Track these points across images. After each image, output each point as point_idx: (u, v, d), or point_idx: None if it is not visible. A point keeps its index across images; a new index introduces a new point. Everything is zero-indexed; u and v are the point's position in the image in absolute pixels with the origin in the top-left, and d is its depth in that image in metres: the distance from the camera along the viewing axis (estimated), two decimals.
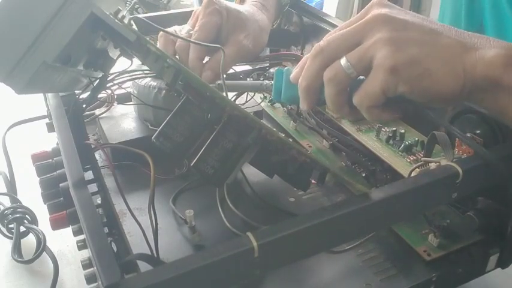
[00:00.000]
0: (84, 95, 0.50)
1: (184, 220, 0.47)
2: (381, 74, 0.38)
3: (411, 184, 0.37)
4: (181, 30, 0.59)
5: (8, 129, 0.65)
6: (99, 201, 0.47)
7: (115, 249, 0.42)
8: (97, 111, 0.62)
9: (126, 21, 0.42)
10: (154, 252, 0.40)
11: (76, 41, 0.35)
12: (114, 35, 0.40)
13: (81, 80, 0.46)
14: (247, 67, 0.70)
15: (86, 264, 0.40)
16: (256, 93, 0.64)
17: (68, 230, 0.44)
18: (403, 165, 0.49)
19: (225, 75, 0.56)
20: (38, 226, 0.56)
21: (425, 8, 2.16)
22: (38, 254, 0.52)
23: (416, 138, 0.52)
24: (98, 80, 0.47)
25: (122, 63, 0.49)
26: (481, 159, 0.40)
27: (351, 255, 0.45)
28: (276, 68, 0.48)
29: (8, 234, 0.56)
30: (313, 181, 0.45)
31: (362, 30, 0.40)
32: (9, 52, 0.33)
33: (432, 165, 0.42)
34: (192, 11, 0.62)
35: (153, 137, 0.43)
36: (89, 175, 0.48)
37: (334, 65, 0.40)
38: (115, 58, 0.45)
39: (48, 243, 0.53)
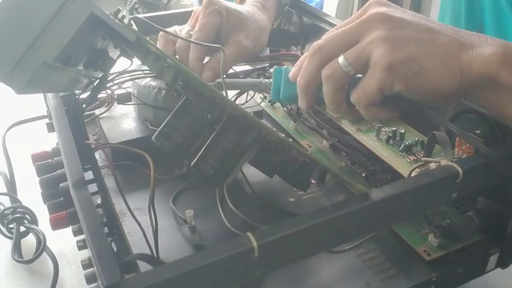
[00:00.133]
0: (84, 95, 0.50)
1: (184, 220, 0.47)
2: (377, 72, 0.38)
3: (411, 184, 0.37)
4: (181, 30, 0.59)
5: (8, 129, 0.65)
6: (99, 201, 0.47)
7: (115, 249, 0.42)
8: (97, 111, 0.62)
9: (126, 21, 0.42)
10: (154, 252, 0.40)
11: (76, 41, 0.35)
12: (114, 35, 0.39)
13: (81, 80, 0.46)
14: (247, 67, 0.70)
15: (86, 264, 0.40)
16: (256, 93, 0.64)
17: (68, 230, 0.44)
18: (403, 165, 0.49)
19: (225, 75, 0.56)
20: (38, 226, 0.56)
21: (425, 8, 2.16)
22: (38, 254, 0.52)
23: (416, 138, 0.52)
24: (98, 80, 0.47)
25: (122, 63, 0.49)
26: (481, 159, 0.40)
27: (351, 255, 0.45)
28: (275, 67, 0.48)
29: (8, 234, 0.56)
30: (313, 181, 0.45)
31: (359, 29, 0.40)
32: (9, 52, 0.33)
33: (432, 165, 0.42)
34: (192, 11, 0.62)
35: (153, 137, 0.43)
36: (89, 175, 0.48)
37: (332, 63, 0.41)
38: (115, 58, 0.45)
39: (48, 243, 0.53)
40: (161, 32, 0.57)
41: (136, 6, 1.25)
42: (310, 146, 0.59)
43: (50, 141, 0.55)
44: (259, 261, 0.31)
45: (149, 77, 0.58)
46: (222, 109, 0.42)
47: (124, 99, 0.62)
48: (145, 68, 0.58)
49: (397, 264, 0.44)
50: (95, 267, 0.31)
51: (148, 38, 0.43)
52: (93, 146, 0.49)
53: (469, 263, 0.45)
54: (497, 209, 0.44)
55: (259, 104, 0.65)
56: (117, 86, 0.59)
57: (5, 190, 0.62)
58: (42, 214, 0.49)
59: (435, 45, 0.39)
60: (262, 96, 0.67)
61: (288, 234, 0.32)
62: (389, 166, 0.50)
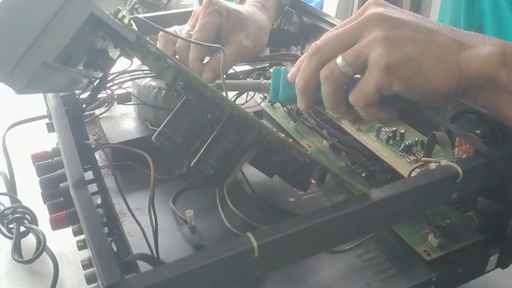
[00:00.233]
0: (84, 95, 0.50)
1: (184, 220, 0.47)
2: (375, 73, 0.38)
3: (411, 184, 0.37)
4: (181, 30, 0.59)
5: (8, 129, 0.65)
6: (99, 201, 0.47)
7: (115, 249, 0.42)
8: (97, 111, 0.62)
9: (126, 21, 0.42)
10: (154, 252, 0.40)
11: (76, 41, 0.35)
12: (114, 35, 0.39)
13: (81, 80, 0.46)
14: (247, 67, 0.70)
15: (86, 264, 0.40)
16: (256, 93, 0.64)
17: (68, 230, 0.44)
18: (403, 165, 0.49)
19: (225, 76, 0.56)
20: (38, 226, 0.56)
21: (425, 8, 2.16)
22: (38, 254, 0.52)
23: (416, 138, 0.52)
24: (98, 80, 0.47)
25: (122, 63, 0.49)
26: (481, 159, 0.40)
27: (351, 255, 0.45)
28: (274, 68, 0.48)
29: (8, 234, 0.56)
30: (313, 181, 0.45)
31: (358, 30, 0.40)
32: (9, 52, 0.33)
33: (432, 165, 0.42)
34: (192, 11, 0.62)
35: (153, 137, 0.43)
36: (89, 175, 0.48)
37: (330, 63, 0.41)
38: (115, 58, 0.45)
39: (48, 243, 0.53)
40: (161, 32, 0.57)
41: (136, 6, 1.25)
42: (310, 146, 0.59)
43: (50, 141, 0.55)
44: (259, 261, 0.31)
45: (149, 77, 0.58)
46: (222, 109, 0.42)
47: (124, 99, 0.62)
48: (145, 68, 0.58)
49: (397, 264, 0.44)
50: (95, 267, 0.31)
51: (148, 38, 0.43)
52: (93, 146, 0.49)
53: (469, 263, 0.45)
54: (497, 209, 0.44)
55: (259, 104, 0.65)
56: (117, 86, 0.59)
57: (5, 190, 0.62)
58: (42, 214, 0.49)
59: (433, 46, 0.39)
60: (262, 96, 0.67)
61: (288, 234, 0.32)
62: (389, 166, 0.50)
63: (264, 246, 0.31)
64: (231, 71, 0.63)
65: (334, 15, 1.91)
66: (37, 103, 0.62)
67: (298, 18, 0.71)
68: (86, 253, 0.43)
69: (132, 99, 0.61)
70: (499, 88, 0.38)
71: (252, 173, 0.52)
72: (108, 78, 0.52)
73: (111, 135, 0.58)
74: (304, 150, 0.43)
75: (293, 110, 0.63)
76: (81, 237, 0.43)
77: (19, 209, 0.57)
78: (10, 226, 0.56)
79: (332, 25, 0.63)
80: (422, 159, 0.45)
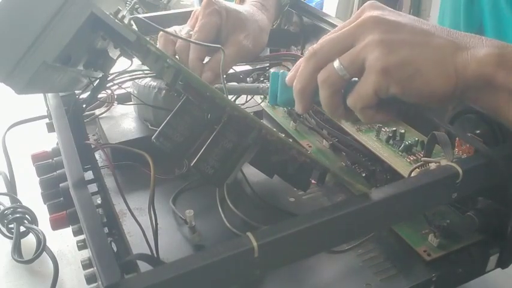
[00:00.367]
0: (84, 95, 0.50)
1: (184, 220, 0.47)
2: (373, 76, 0.38)
3: (411, 184, 0.37)
4: (181, 30, 0.59)
5: (8, 129, 0.65)
6: (99, 201, 0.47)
7: (115, 249, 0.42)
8: (97, 111, 0.62)
9: (126, 21, 0.42)
10: (154, 252, 0.40)
11: (76, 41, 0.35)
12: (114, 35, 0.39)
13: (81, 80, 0.46)
14: (247, 67, 0.70)
15: (86, 265, 0.40)
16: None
17: (68, 230, 0.44)
18: (403, 165, 0.49)
19: (225, 76, 0.56)
20: (38, 226, 0.56)
21: (426, 8, 2.16)
22: (38, 254, 0.52)
23: (416, 138, 0.52)
24: (98, 80, 0.47)
25: (122, 63, 0.49)
26: (481, 159, 0.40)
27: (351, 255, 0.45)
28: (272, 71, 0.48)
29: (8, 234, 0.56)
30: (313, 181, 0.45)
31: (354, 33, 0.40)
32: (9, 52, 0.33)
33: (432, 165, 0.42)
34: (192, 11, 0.62)
35: (153, 137, 0.43)
36: (89, 175, 0.48)
37: (327, 67, 0.41)
38: (115, 58, 0.45)
39: (48, 243, 0.53)
40: (161, 32, 0.57)
41: (136, 6, 1.25)
42: (310, 146, 0.59)
43: (50, 141, 0.55)
44: (259, 261, 0.31)
45: (149, 77, 0.58)
46: (222, 109, 0.42)
47: (124, 99, 0.62)
48: (145, 68, 0.58)
49: (397, 264, 0.44)
50: (95, 267, 0.31)
51: (148, 38, 0.43)
52: (93, 146, 0.49)
53: (469, 263, 0.45)
54: (497, 209, 0.44)
55: (259, 104, 0.65)
56: (117, 86, 0.59)
57: (5, 190, 0.62)
58: (42, 214, 0.49)
59: (430, 48, 0.39)
60: (262, 97, 0.67)
61: (288, 234, 0.32)
62: (389, 166, 0.50)
63: (264, 246, 0.31)
64: (231, 71, 0.63)
65: (334, 15, 1.91)
66: (37, 103, 0.62)
67: (298, 18, 0.71)
68: (86, 253, 0.43)
69: (132, 99, 0.61)
70: (497, 89, 0.38)
71: (252, 173, 0.52)
72: (108, 78, 0.52)
73: (111, 135, 0.58)
74: (304, 150, 0.43)
75: (293, 110, 0.63)
76: (81, 237, 0.43)
77: (19, 209, 0.57)
78: (10, 226, 0.56)
79: (332, 25, 0.63)
80: (422, 159, 0.45)
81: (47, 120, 0.59)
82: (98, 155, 0.55)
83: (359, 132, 0.55)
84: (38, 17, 0.33)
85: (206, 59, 0.58)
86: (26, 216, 0.57)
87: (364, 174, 0.53)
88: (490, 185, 0.42)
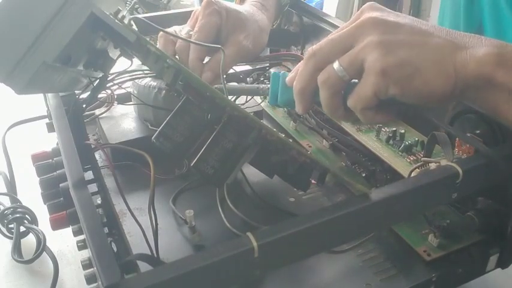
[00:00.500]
0: (84, 95, 0.50)
1: (184, 220, 0.47)
2: (372, 77, 0.39)
3: (411, 184, 0.37)
4: (181, 30, 0.59)
5: (8, 129, 0.65)
6: (99, 202, 0.47)
7: (115, 249, 0.42)
8: (97, 111, 0.62)
9: (126, 21, 0.42)
10: (154, 252, 0.40)
11: (76, 41, 0.35)
12: (114, 35, 0.39)
13: (81, 80, 0.46)
14: (247, 67, 0.70)
15: (86, 265, 0.40)
16: None
17: (68, 230, 0.44)
18: (403, 166, 0.49)
19: (224, 76, 0.56)
20: (38, 226, 0.56)
21: (426, 8, 2.16)
22: (38, 254, 0.52)
23: (416, 139, 0.52)
24: (98, 80, 0.47)
25: (122, 63, 0.49)
26: (481, 159, 0.40)
27: (351, 255, 0.45)
28: (272, 72, 0.48)
29: (8, 234, 0.56)
30: (313, 181, 0.45)
31: (353, 34, 0.40)
32: (9, 52, 0.33)
33: (432, 166, 0.42)
34: (192, 11, 0.62)
35: (153, 137, 0.43)
36: (89, 175, 0.48)
37: (327, 68, 0.41)
38: (115, 58, 0.45)
39: (48, 243, 0.53)
40: (161, 32, 0.57)
41: (136, 6, 1.25)
42: (310, 146, 0.59)
43: (50, 141, 0.55)
44: (259, 262, 0.31)
45: (149, 77, 0.58)
46: (222, 109, 0.42)
47: (124, 99, 0.62)
48: (145, 68, 0.58)
49: (397, 264, 0.44)
50: (95, 268, 0.31)
51: (148, 38, 0.43)
52: (93, 146, 0.49)
53: (469, 263, 0.45)
54: (497, 209, 0.44)
55: (259, 104, 0.65)
56: (117, 86, 0.59)
57: (5, 190, 0.62)
58: (42, 214, 0.49)
59: (428, 48, 0.39)
60: (262, 97, 0.67)
61: (288, 234, 0.32)
62: (390, 166, 0.50)
63: (264, 247, 0.31)
64: (231, 71, 0.63)
65: (334, 15, 1.91)
66: (37, 103, 0.62)
67: (298, 18, 0.71)
68: (86, 253, 0.43)
69: (132, 99, 0.61)
70: (497, 88, 0.38)
71: (252, 173, 0.52)
72: (108, 78, 0.52)
73: (111, 135, 0.58)
74: (304, 151, 0.43)
75: (293, 110, 0.63)
76: (81, 237, 0.43)
77: (19, 209, 0.57)
78: (10, 226, 0.56)
79: (332, 25, 0.63)
80: (422, 159, 0.45)
81: (47, 120, 0.59)
82: (98, 155, 0.55)
83: (359, 132, 0.55)
84: (38, 17, 0.33)
85: (206, 59, 0.58)
86: (26, 216, 0.57)
87: (364, 174, 0.53)
88: (490, 185, 0.42)
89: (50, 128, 0.57)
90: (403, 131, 0.52)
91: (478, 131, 0.46)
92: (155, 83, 0.57)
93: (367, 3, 0.43)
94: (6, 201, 0.60)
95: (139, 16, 0.65)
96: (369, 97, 0.39)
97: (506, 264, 0.47)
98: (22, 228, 0.56)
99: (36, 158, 0.49)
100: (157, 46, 0.52)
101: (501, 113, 0.39)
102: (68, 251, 0.56)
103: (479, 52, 0.38)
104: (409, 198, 0.37)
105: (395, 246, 0.46)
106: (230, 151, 0.42)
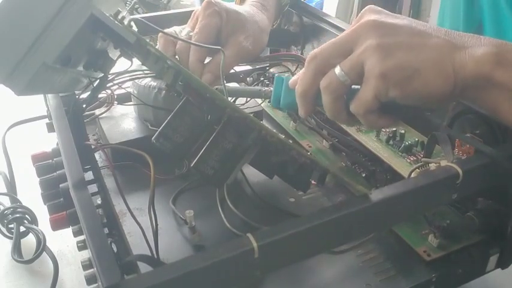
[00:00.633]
0: (84, 95, 0.50)
1: (184, 220, 0.47)
2: (372, 81, 0.39)
3: (411, 185, 0.37)
4: (181, 31, 0.59)
5: (8, 129, 0.65)
6: (99, 202, 0.47)
7: (115, 249, 0.42)
8: (97, 111, 0.62)
9: (126, 22, 0.42)
10: (154, 252, 0.40)
11: (76, 42, 0.35)
12: (114, 36, 0.39)
13: (81, 81, 0.46)
14: (248, 67, 0.70)
15: (86, 265, 0.40)
16: None
17: (68, 230, 0.44)
18: (403, 166, 0.49)
19: (224, 77, 0.56)
20: (38, 226, 0.56)
21: (425, 8, 2.16)
22: (38, 254, 0.52)
23: (417, 139, 0.52)
24: (98, 80, 0.47)
25: (122, 64, 0.49)
26: (481, 159, 0.40)
27: (351, 255, 0.45)
28: (276, 75, 0.48)
29: (8, 234, 0.56)
30: (313, 182, 0.45)
31: (352, 38, 0.41)
32: (9, 53, 0.33)
33: (432, 166, 0.42)
34: (192, 11, 0.61)
35: (153, 138, 0.43)
36: (89, 175, 0.48)
37: (329, 73, 0.41)
38: (115, 59, 0.45)
39: (48, 243, 0.53)
40: (161, 33, 0.57)
41: (136, 6, 1.25)
42: (310, 146, 0.59)
43: (50, 142, 0.55)
44: (259, 262, 0.31)
45: (149, 77, 0.58)
46: (222, 110, 0.42)
47: (124, 99, 0.62)
48: (145, 68, 0.57)
49: (397, 265, 0.44)
50: (95, 268, 0.31)
51: (148, 38, 0.43)
52: (93, 147, 0.49)
53: (469, 263, 0.45)
54: (497, 209, 0.44)
55: (259, 104, 0.65)
56: (117, 86, 0.59)
57: (5, 190, 0.62)
58: (42, 214, 0.49)
59: (427, 48, 0.39)
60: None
61: (288, 235, 0.32)
62: (390, 166, 0.50)
63: (264, 247, 0.31)
64: (231, 71, 0.63)
65: (334, 15, 1.91)
66: (37, 103, 0.62)
67: (298, 18, 0.71)
68: (86, 254, 0.43)
69: (132, 100, 0.61)
70: (496, 87, 0.38)
71: (252, 173, 0.52)
72: (108, 79, 0.51)
73: (111, 136, 0.58)
74: (304, 151, 0.43)
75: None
76: (81, 237, 0.43)
77: (19, 209, 0.57)
78: (10, 226, 0.56)
79: (332, 25, 0.63)
80: (422, 159, 0.45)
81: (47, 120, 0.59)
82: (98, 156, 0.55)
83: (359, 133, 0.55)
84: (38, 18, 0.33)
85: (206, 60, 0.57)
86: (26, 216, 0.57)
87: (364, 175, 0.53)
88: (490, 185, 0.42)
89: (50, 128, 0.57)
90: (403, 131, 0.52)
91: (478, 131, 0.46)
92: (155, 83, 0.57)
93: (367, 6, 0.43)
94: (6, 201, 0.60)
95: (139, 17, 0.65)
96: (369, 100, 0.40)
97: (506, 264, 0.47)
98: (22, 228, 0.56)
99: (36, 159, 0.49)
100: (157, 47, 0.52)
101: (501, 113, 0.39)
102: (68, 251, 0.56)
103: (478, 52, 0.38)
104: (409, 199, 0.37)
105: (395, 246, 0.46)
106: (230, 152, 0.42)
